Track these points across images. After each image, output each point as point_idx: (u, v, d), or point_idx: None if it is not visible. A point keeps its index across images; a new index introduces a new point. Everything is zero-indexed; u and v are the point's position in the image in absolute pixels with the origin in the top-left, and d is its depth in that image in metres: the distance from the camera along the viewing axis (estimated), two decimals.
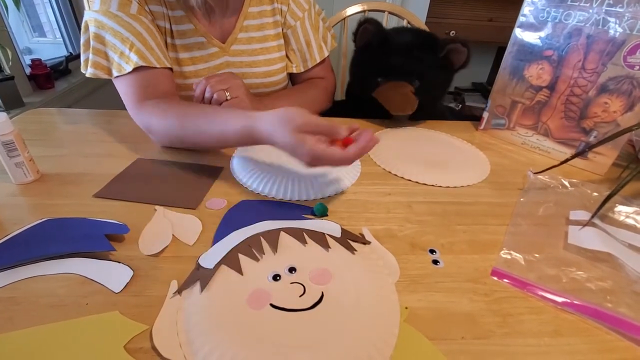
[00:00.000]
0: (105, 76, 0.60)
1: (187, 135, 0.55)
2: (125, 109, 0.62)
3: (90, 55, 0.59)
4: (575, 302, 0.36)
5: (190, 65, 0.67)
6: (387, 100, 0.69)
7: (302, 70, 0.78)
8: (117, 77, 0.59)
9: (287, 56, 0.77)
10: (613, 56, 0.55)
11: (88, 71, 0.60)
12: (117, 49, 0.57)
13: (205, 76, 0.60)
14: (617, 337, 0.33)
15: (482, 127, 0.75)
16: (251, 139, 0.47)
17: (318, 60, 0.78)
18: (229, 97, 0.58)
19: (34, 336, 0.30)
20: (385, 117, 0.75)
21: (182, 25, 0.65)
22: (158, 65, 0.59)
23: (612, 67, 0.56)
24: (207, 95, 0.59)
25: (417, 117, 0.77)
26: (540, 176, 0.58)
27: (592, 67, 0.58)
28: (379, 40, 0.70)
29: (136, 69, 0.57)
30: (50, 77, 1.42)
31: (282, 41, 0.75)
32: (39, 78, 1.39)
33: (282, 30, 0.74)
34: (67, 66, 1.58)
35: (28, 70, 1.38)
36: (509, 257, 0.42)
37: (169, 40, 0.65)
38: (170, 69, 0.63)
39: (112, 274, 0.36)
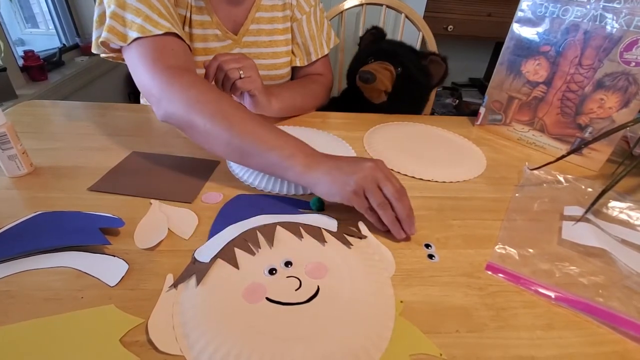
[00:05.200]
0: (119, 42, 0.53)
1: (233, 143, 0.46)
2: (121, 101, 0.61)
3: (108, 20, 0.53)
4: (568, 296, 0.36)
5: (203, 55, 0.67)
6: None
7: (306, 63, 0.78)
8: (138, 39, 0.52)
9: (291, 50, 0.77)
10: (609, 52, 0.55)
11: (103, 35, 0.53)
12: (141, 12, 0.52)
13: (217, 54, 0.58)
14: (608, 330, 0.34)
15: (478, 122, 0.75)
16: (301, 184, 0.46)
17: (321, 55, 0.79)
18: (242, 76, 0.57)
19: (29, 330, 0.30)
20: (377, 110, 0.77)
21: (201, 15, 0.65)
22: (186, 42, 0.57)
23: (608, 63, 0.56)
24: (218, 74, 0.57)
25: (392, 110, 0.79)
26: (535, 172, 0.59)
27: (588, 63, 0.58)
28: (378, 37, 0.82)
29: (167, 34, 0.53)
30: (43, 68, 1.40)
31: (289, 36, 0.76)
32: (32, 70, 1.37)
33: (290, 24, 0.75)
34: (60, 58, 1.55)
35: (21, 62, 1.36)
36: (503, 251, 0.42)
37: (186, 28, 0.65)
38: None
39: (107, 268, 0.36)
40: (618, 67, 0.55)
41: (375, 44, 0.80)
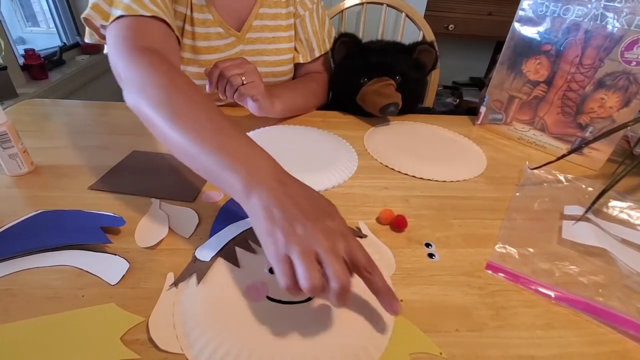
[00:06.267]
0: (100, 20, 0.52)
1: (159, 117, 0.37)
2: (121, 100, 0.60)
3: None
4: (568, 295, 0.36)
5: (206, 54, 0.67)
6: (374, 95, 0.69)
7: (309, 59, 0.78)
8: (119, 18, 0.50)
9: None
10: (610, 52, 0.55)
11: (85, 12, 0.52)
12: None
13: (218, 61, 0.58)
14: (608, 329, 0.34)
15: (479, 121, 0.75)
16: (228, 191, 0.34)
17: (324, 51, 0.79)
18: (244, 82, 0.57)
19: (30, 328, 0.30)
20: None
21: (202, 14, 0.65)
22: (175, 32, 0.55)
23: (609, 62, 0.56)
24: (221, 81, 0.57)
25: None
26: (536, 171, 0.59)
27: (589, 63, 0.58)
28: (357, 48, 0.75)
29: (152, 18, 0.51)
30: (44, 67, 1.41)
31: (292, 33, 0.76)
32: (33, 68, 1.37)
33: (293, 20, 0.75)
34: (61, 57, 1.56)
35: (21, 61, 1.36)
36: (503, 251, 0.42)
37: (187, 27, 0.65)
38: (179, 43, 0.60)
39: (108, 266, 0.36)
40: (619, 66, 0.55)
41: (357, 57, 0.74)
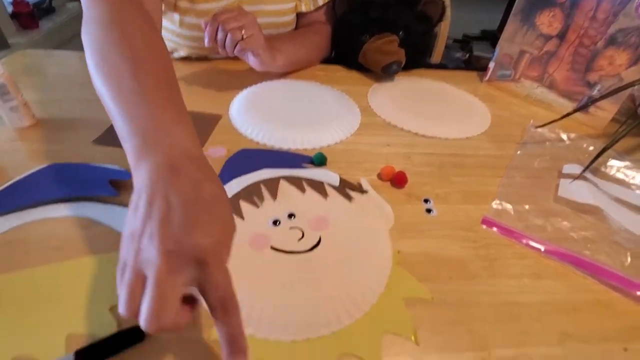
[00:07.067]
0: None
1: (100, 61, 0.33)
2: None
3: None
4: (556, 249, 0.38)
5: (204, 2, 0.64)
6: (375, 53, 0.67)
7: (312, 9, 0.74)
8: None
9: None
10: (625, 5, 0.52)
11: None
12: None
13: (214, 13, 0.54)
14: (592, 280, 0.36)
15: (487, 78, 0.73)
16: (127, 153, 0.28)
17: (327, 0, 0.74)
18: (244, 36, 0.55)
19: (43, 274, 0.32)
20: None
21: None
22: None
23: (622, 18, 0.53)
24: (219, 35, 0.54)
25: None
26: (539, 130, 0.58)
27: (603, 17, 0.55)
28: (359, 2, 0.71)
29: None
30: (34, 15, 1.34)
31: None
32: (22, 17, 1.31)
33: None
34: (50, 4, 1.48)
35: (10, 9, 1.30)
36: (499, 207, 0.43)
37: None
38: None
39: (118, 217, 0.38)
40: (632, 22, 0.52)
41: (358, 12, 0.70)
